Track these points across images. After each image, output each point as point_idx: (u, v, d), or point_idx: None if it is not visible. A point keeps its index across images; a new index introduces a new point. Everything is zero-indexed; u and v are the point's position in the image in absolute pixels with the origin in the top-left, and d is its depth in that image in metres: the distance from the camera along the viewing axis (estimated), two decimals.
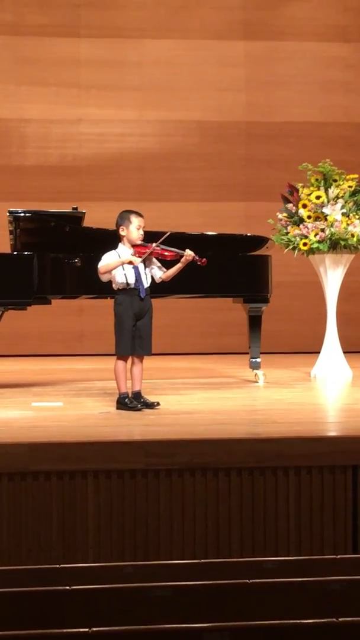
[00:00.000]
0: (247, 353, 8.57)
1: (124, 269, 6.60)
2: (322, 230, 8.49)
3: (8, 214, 7.96)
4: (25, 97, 12.01)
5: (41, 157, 12.05)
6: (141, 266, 6.66)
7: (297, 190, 8.69)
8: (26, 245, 7.95)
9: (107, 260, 6.64)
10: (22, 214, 7.99)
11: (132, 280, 6.59)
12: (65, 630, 2.94)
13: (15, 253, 7.94)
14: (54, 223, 8.10)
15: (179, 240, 7.13)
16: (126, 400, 6.65)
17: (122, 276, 6.60)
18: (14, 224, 7.95)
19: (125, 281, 6.59)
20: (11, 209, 8.00)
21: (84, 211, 8.16)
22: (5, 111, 12.00)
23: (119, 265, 6.58)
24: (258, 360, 8.49)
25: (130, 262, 6.58)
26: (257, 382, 8.39)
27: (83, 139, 12.13)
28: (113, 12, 12.14)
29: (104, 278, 6.70)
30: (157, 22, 12.20)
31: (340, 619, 2.97)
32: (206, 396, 7.69)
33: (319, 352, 8.95)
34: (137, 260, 6.59)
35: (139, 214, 6.76)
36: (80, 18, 12.09)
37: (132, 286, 6.61)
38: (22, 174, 11.95)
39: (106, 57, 12.13)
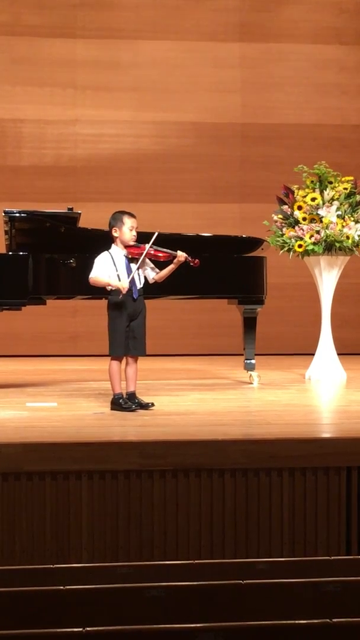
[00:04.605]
0: (242, 354, 8.58)
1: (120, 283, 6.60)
2: (318, 232, 8.50)
3: (3, 214, 7.96)
4: (20, 97, 12.00)
5: (37, 158, 12.04)
6: (134, 267, 6.67)
7: (293, 192, 8.71)
8: (21, 245, 7.95)
9: (97, 272, 6.63)
10: (18, 215, 7.99)
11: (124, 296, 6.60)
12: (59, 630, 2.94)
13: (10, 253, 7.93)
14: (49, 224, 8.10)
15: (174, 241, 7.13)
16: (120, 400, 6.65)
17: (117, 293, 6.60)
18: (9, 224, 7.94)
19: (118, 300, 6.60)
20: (6, 209, 8.00)
21: (79, 212, 8.16)
22: (0, 111, 11.99)
23: (107, 285, 6.59)
24: (253, 361, 8.49)
25: (119, 288, 6.56)
26: (251, 383, 8.39)
27: (79, 139, 12.13)
28: (109, 13, 12.14)
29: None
30: (153, 24, 12.20)
31: (334, 620, 2.98)
32: (200, 397, 7.69)
33: (313, 354, 8.96)
34: (126, 288, 6.55)
35: (132, 215, 6.75)
36: (76, 19, 12.09)
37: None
38: (18, 175, 11.94)
39: (102, 58, 12.13)
